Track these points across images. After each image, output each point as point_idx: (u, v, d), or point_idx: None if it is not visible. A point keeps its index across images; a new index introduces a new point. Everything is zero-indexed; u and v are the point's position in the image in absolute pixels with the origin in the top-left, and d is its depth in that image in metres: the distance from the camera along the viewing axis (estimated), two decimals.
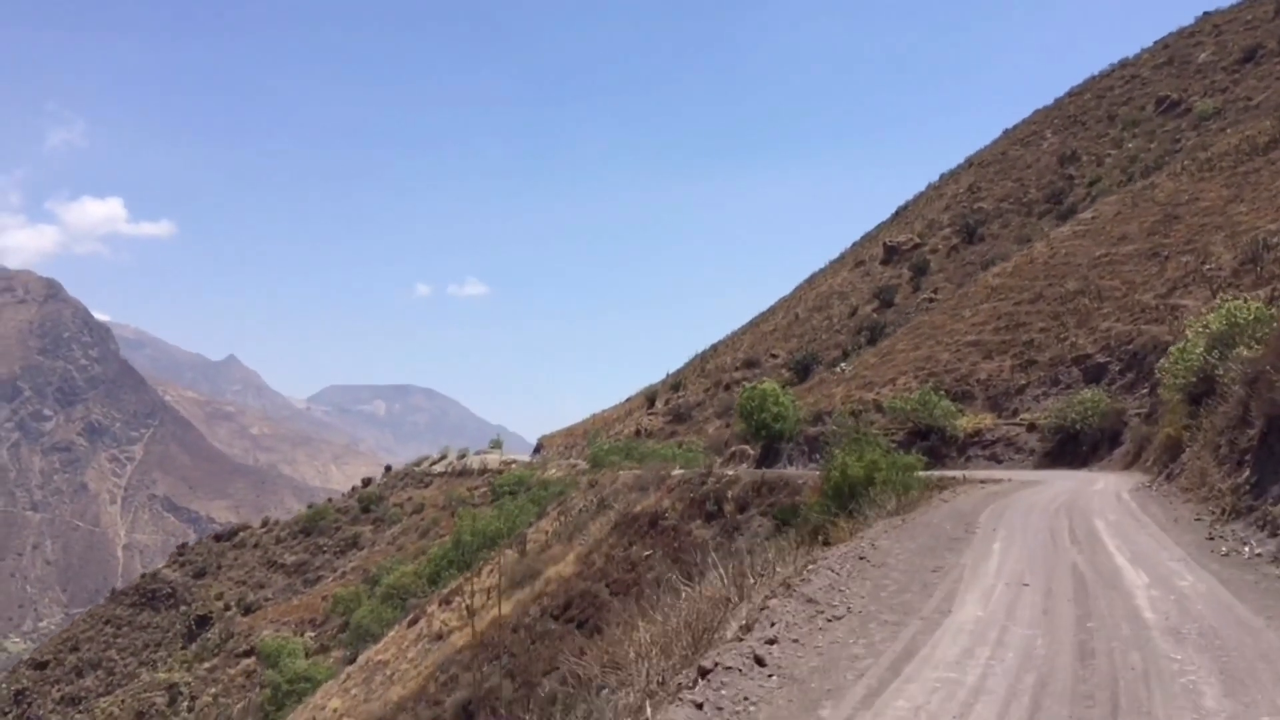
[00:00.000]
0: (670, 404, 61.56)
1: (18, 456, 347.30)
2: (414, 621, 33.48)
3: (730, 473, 25.27)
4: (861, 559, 8.83)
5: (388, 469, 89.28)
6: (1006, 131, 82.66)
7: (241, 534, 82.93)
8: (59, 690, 70.67)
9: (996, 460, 23.97)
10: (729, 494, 23.98)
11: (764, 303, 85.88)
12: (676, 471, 27.95)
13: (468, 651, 23.69)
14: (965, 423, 24.66)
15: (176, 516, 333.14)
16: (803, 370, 48.59)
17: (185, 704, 61.50)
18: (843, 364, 38.73)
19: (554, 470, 57.90)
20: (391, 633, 34.80)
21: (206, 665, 64.03)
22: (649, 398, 67.84)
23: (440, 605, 33.00)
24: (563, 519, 33.33)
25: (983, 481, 19.14)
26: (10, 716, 70.27)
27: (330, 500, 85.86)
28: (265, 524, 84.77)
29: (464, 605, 30.52)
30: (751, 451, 31.31)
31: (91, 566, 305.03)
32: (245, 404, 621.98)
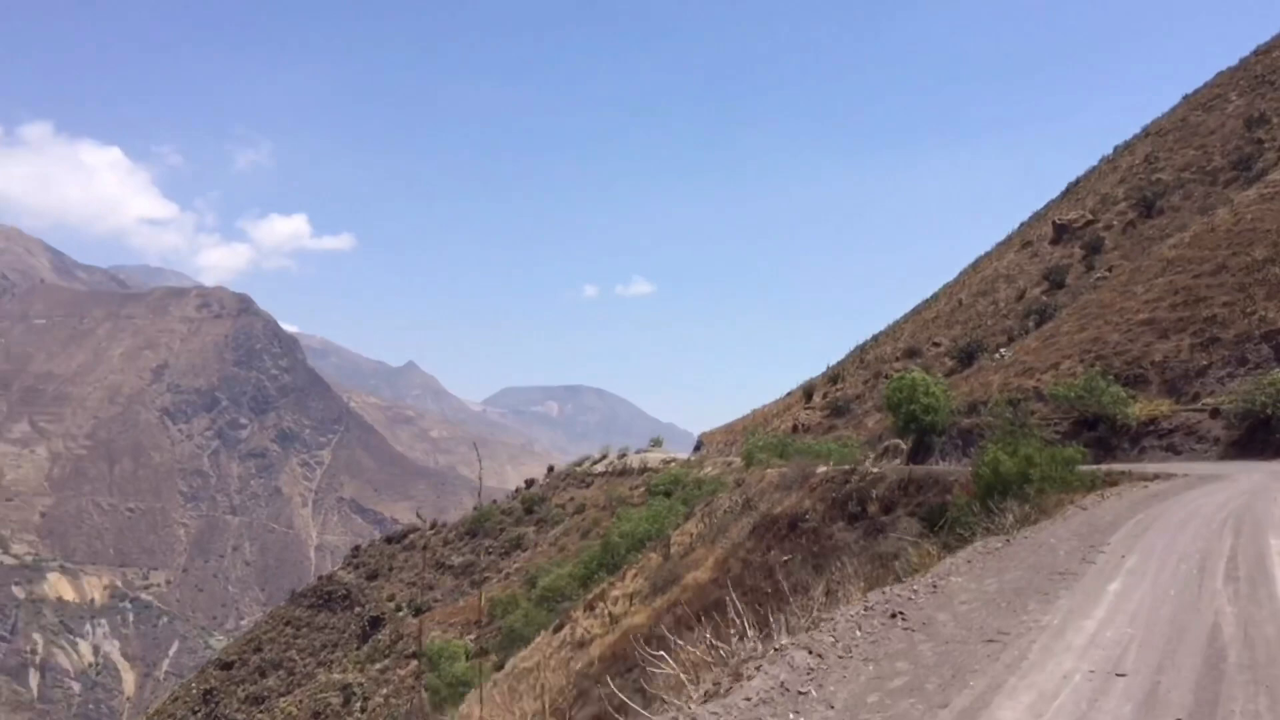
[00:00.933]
0: (828, 397, 59.53)
1: (217, 463, 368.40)
2: (560, 627, 32.87)
3: (875, 470, 23.55)
4: (894, 616, 6.93)
5: (550, 469, 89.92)
6: (1186, 97, 76.85)
7: (411, 536, 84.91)
8: (244, 690, 73.66)
9: (1174, 451, 21.50)
10: (873, 493, 22.30)
11: (927, 291, 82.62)
12: (821, 469, 26.36)
13: (601, 663, 22.75)
14: (1138, 410, 22.25)
15: (363, 518, 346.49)
16: (966, 358, 45.97)
17: (358, 704, 63.09)
18: (1002, 350, 36.17)
19: (709, 468, 56.74)
20: (539, 638, 34.29)
21: (378, 666, 65.52)
22: (806, 392, 65.92)
23: (585, 611, 32.27)
24: (707, 520, 32.11)
25: (1152, 478, 16.96)
26: (199, 715, 73.74)
27: (495, 502, 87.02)
28: (433, 526, 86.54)
29: (606, 612, 29.66)
30: (905, 446, 29.42)
31: (287, 567, 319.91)
32: (425, 408, 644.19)
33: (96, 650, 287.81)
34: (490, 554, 76.70)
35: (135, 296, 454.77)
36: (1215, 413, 21.62)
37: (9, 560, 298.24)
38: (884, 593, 8.06)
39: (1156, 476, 16.99)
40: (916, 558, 10.97)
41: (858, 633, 6.66)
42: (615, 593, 31.56)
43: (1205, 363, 23.51)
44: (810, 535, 22.17)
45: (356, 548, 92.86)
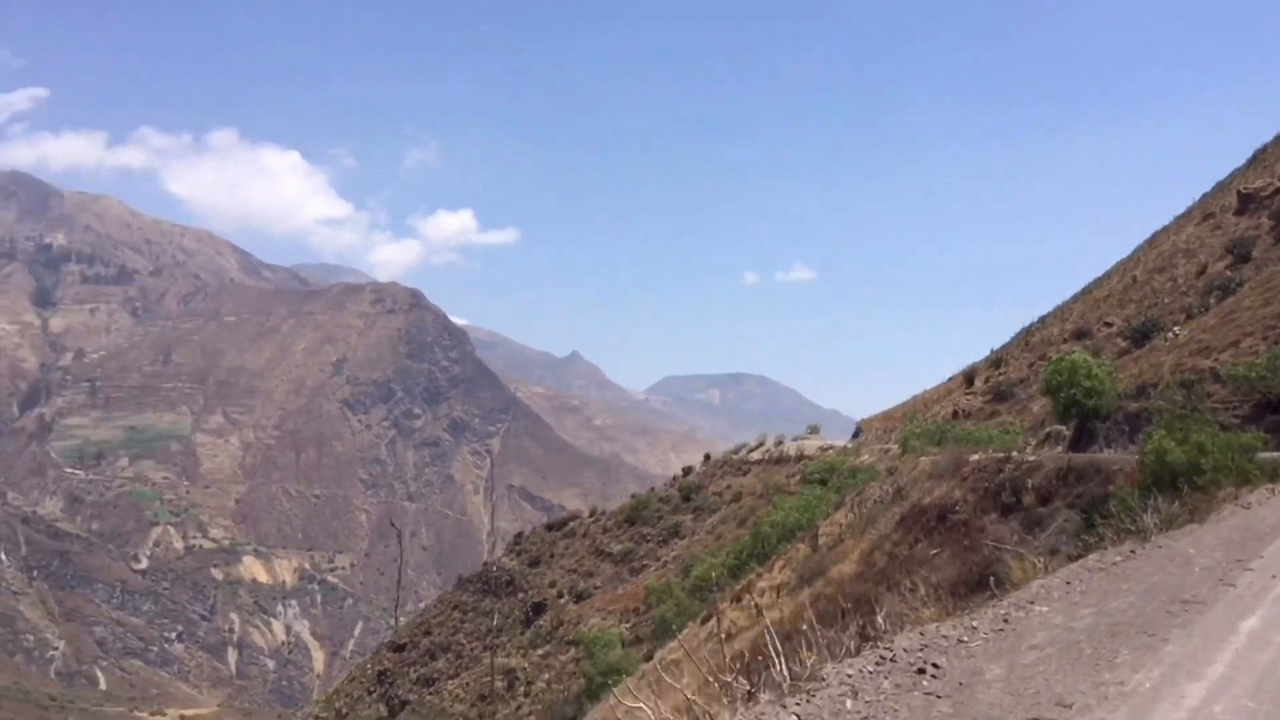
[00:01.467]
0: (990, 382, 57.00)
1: (394, 452, 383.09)
2: (707, 619, 32.27)
3: (1031, 458, 22.07)
4: (920, 672, 5.31)
5: (706, 457, 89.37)
6: None
7: (571, 524, 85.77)
8: (415, 671, 75.84)
9: None
10: (1029, 483, 20.85)
11: (1099, 270, 78.29)
12: (975, 457, 24.93)
13: (737, 660, 22.07)
14: None
15: (531, 505, 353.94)
16: (1140, 339, 43.10)
17: (522, 689, 64.06)
18: (1175, 328, 33.59)
19: (865, 456, 55.14)
20: (687, 630, 33.76)
21: (540, 651, 66.39)
22: (967, 376, 63.34)
23: (732, 603, 31.59)
24: (857, 510, 30.96)
25: None
26: (374, 695, 76.34)
27: (653, 489, 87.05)
28: (593, 513, 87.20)
29: (752, 604, 28.91)
30: (1067, 433, 27.61)
31: (461, 552, 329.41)
32: (589, 397, 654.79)
33: (288, 629, 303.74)
34: (648, 541, 76.71)
35: (315, 293, 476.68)
36: None
37: (208, 544, 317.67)
38: (923, 633, 6.68)
39: None
40: (1018, 571, 9.69)
41: (850, 702, 5.11)
42: (762, 584, 30.79)
43: None
44: (960, 528, 20.90)
45: (519, 535, 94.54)
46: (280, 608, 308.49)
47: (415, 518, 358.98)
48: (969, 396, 57.72)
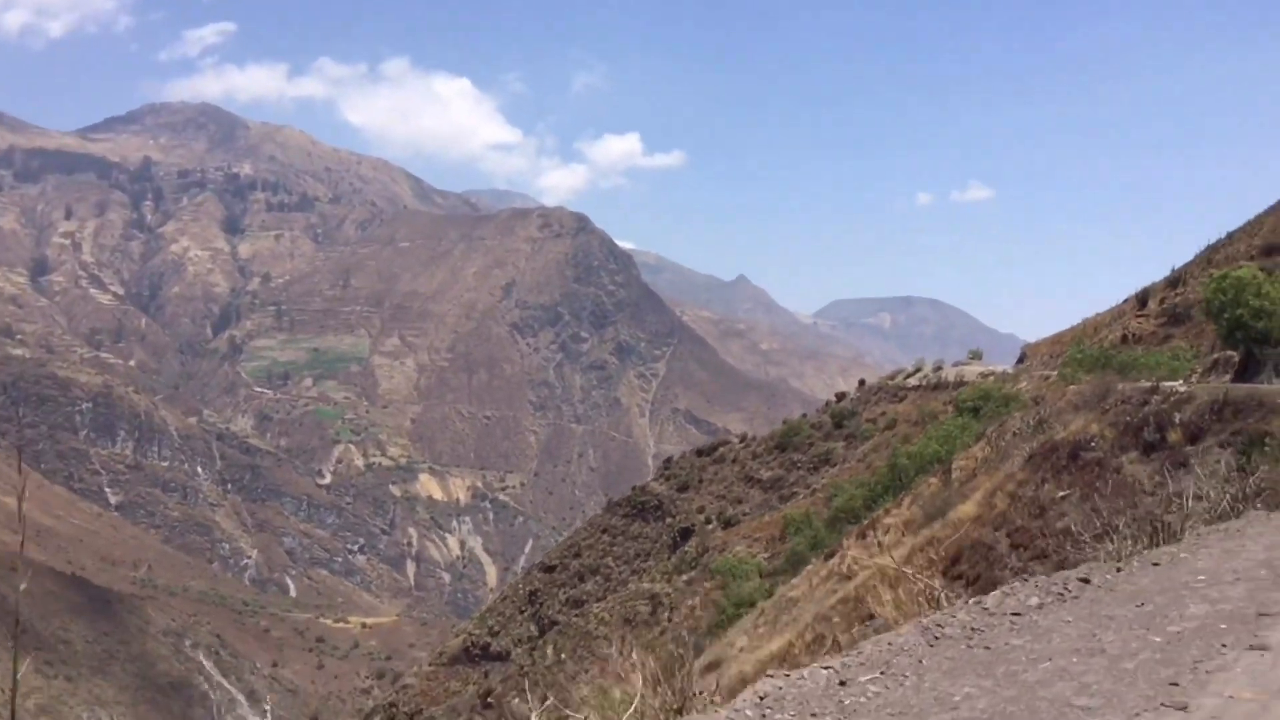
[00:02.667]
0: (1165, 303, 52.29)
1: (561, 375, 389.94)
2: (831, 554, 30.52)
3: (1183, 389, 19.30)
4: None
5: (861, 383, 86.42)
6: None
7: (721, 449, 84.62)
8: (564, 593, 76.70)
9: None
10: (1176, 417, 18.19)
11: None
12: (1123, 387, 22.17)
13: (842, 605, 20.31)
14: None
15: (697, 429, 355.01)
16: None
17: (666, 614, 63.78)
18: None
19: (1024, 383, 51.67)
20: (811, 565, 32.10)
21: (684, 578, 65.86)
22: (1141, 298, 58.39)
23: (857, 538, 29.70)
24: (995, 443, 28.45)
25: None
26: (525, 614, 77.70)
27: (804, 416, 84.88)
28: (743, 439, 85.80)
29: (876, 542, 26.98)
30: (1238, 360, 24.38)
31: (627, 474, 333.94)
32: (755, 321, 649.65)
33: (462, 545, 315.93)
34: (799, 469, 74.91)
35: (485, 219, 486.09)
36: None
37: (386, 462, 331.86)
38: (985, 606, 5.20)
39: None
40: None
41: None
42: (889, 520, 28.77)
43: None
44: (1094, 468, 18.45)
45: (668, 460, 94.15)
46: (455, 524, 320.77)
47: (582, 440, 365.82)
48: (1141, 320, 53.21)
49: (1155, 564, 8.40)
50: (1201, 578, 7.46)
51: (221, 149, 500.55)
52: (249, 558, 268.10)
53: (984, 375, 70.43)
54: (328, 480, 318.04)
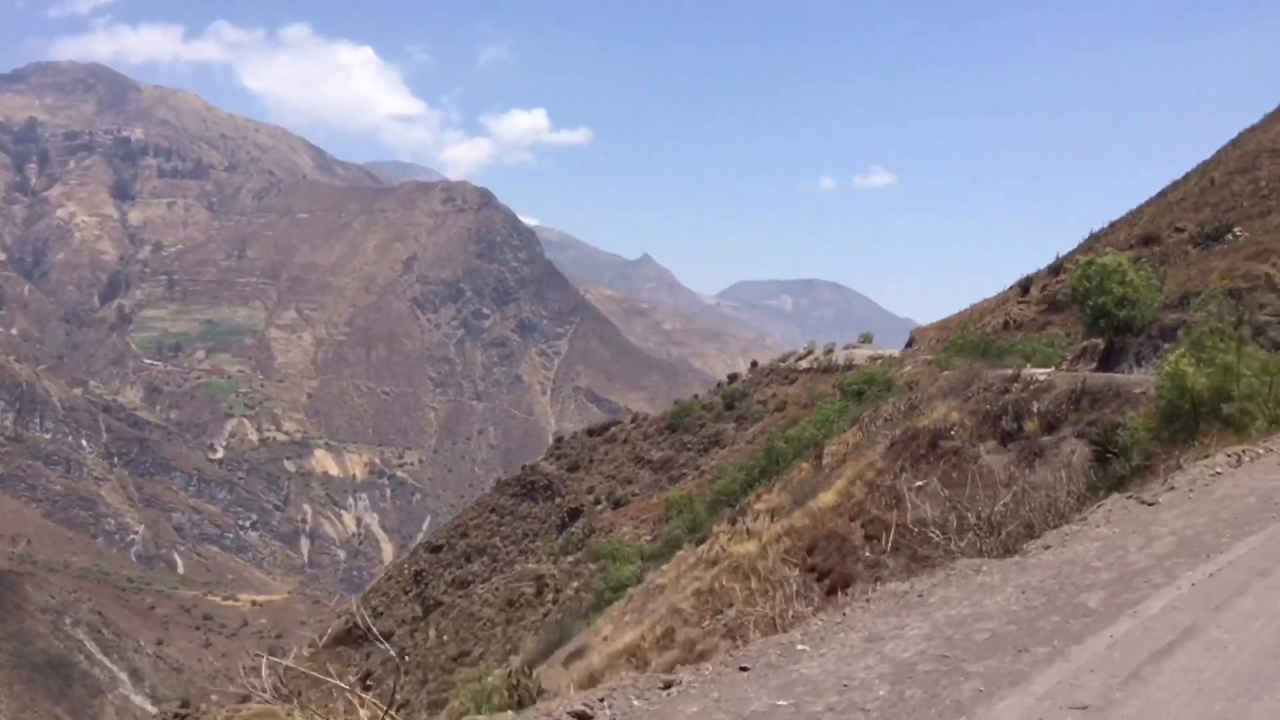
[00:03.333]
0: (1046, 291, 52.98)
1: (463, 351, 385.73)
2: (702, 541, 29.85)
3: (1043, 377, 18.91)
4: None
5: (754, 364, 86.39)
6: None
7: (612, 429, 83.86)
8: (450, 573, 75.19)
9: None
10: (1035, 407, 17.77)
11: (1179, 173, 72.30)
12: (987, 374, 21.80)
13: (697, 599, 19.52)
14: None
15: (598, 407, 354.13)
16: (1210, 245, 38.98)
17: (550, 596, 62.86)
18: (1236, 229, 29.64)
19: (909, 367, 51.77)
20: (683, 551, 31.40)
21: (570, 559, 65.02)
22: (1024, 285, 59.21)
23: (728, 525, 29.06)
24: (868, 428, 28.02)
25: None
26: (410, 595, 76.02)
27: (696, 397, 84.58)
28: (634, 419, 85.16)
29: (745, 528, 26.33)
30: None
31: (527, 452, 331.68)
32: (658, 301, 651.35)
33: (358, 522, 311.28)
34: (689, 450, 74.52)
35: (387, 191, 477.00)
36: None
37: (281, 436, 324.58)
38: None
39: None
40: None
41: None
42: (760, 506, 28.16)
43: None
44: (951, 457, 17.95)
45: (559, 439, 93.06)
46: (351, 500, 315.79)
47: (483, 417, 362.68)
48: (1023, 306, 53.86)
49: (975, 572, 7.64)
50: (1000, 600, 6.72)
51: (111, 112, 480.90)
52: (135, 533, 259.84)
53: (873, 359, 70.85)
54: (220, 455, 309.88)
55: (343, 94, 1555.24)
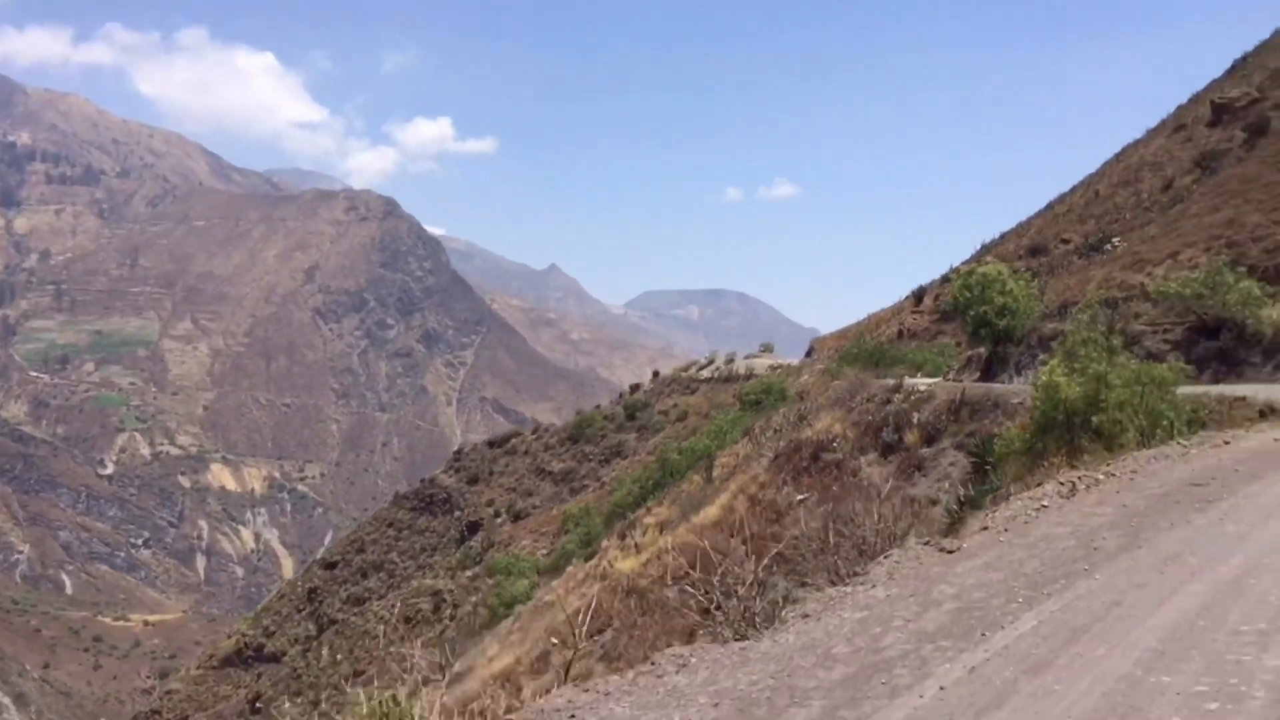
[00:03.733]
0: (939, 300, 53.68)
1: (366, 362, 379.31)
2: (591, 556, 29.21)
3: (925, 387, 18.72)
4: None
5: (655, 374, 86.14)
6: None
7: (513, 440, 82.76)
8: (345, 590, 73.31)
9: None
10: (915, 418, 17.53)
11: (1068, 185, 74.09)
12: (879, 384, 21.59)
13: (570, 620, 18.87)
14: (1277, 314, 16.72)
15: (505, 418, 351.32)
16: (1094, 255, 39.74)
17: (448, 611, 61.56)
18: (1114, 239, 30.14)
19: (806, 376, 51.89)
20: (572, 566, 30.73)
21: (469, 573, 63.80)
22: (917, 295, 60.00)
23: (618, 539, 28.48)
24: (758, 440, 27.71)
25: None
26: (304, 613, 73.90)
27: (598, 407, 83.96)
28: (536, 431, 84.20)
29: (633, 543, 25.77)
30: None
31: (433, 464, 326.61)
32: (566, 310, 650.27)
33: (257, 537, 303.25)
34: (590, 461, 73.85)
35: (288, 199, 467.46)
36: None
37: (175, 451, 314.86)
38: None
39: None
40: None
41: None
42: (649, 520, 27.66)
43: None
44: (833, 470, 17.62)
45: (458, 451, 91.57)
46: (249, 515, 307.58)
47: (387, 428, 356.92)
48: (916, 316, 54.47)
49: (805, 616, 6.97)
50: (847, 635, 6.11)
51: None
52: (20, 553, 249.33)
53: (773, 368, 71.12)
54: (110, 471, 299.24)
55: (242, 99, 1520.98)
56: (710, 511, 19.81)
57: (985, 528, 7.77)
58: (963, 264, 66.87)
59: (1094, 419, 12.82)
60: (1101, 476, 9.23)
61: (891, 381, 20.15)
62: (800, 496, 17.80)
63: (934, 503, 15.71)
